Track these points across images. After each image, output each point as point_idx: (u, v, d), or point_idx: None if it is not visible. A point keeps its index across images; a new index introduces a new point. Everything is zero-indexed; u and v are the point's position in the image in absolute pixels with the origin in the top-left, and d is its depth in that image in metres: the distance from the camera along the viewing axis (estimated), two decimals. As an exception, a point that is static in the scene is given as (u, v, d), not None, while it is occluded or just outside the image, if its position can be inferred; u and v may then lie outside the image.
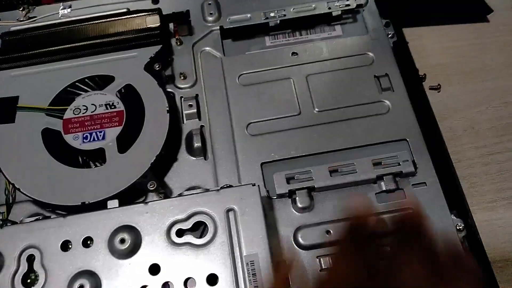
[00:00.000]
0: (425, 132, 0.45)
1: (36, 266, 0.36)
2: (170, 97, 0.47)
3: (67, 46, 0.48)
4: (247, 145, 0.45)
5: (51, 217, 0.39)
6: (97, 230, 0.37)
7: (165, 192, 0.41)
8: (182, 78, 0.48)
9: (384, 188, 0.42)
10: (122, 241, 0.36)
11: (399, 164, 0.43)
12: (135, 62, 0.47)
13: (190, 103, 0.47)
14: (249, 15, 0.51)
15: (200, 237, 0.37)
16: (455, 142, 0.48)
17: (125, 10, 0.50)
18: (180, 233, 0.37)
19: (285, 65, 0.50)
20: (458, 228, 0.41)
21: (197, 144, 0.45)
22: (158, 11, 0.50)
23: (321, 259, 0.40)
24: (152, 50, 0.47)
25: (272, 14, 0.51)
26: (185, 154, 0.45)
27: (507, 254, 0.43)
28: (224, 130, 0.46)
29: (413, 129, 0.45)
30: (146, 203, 0.38)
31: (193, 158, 0.45)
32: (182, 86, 0.48)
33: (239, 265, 0.35)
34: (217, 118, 0.47)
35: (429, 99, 0.48)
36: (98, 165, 0.42)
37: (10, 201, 0.43)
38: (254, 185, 0.38)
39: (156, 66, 0.46)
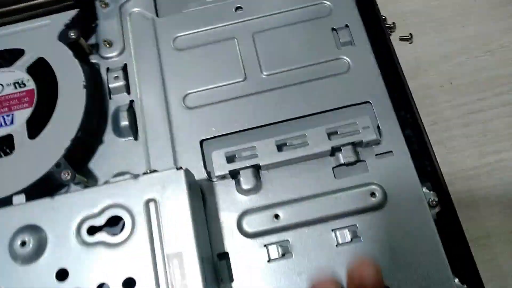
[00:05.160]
0: (392, 92, 0.38)
1: None
2: (93, 69, 0.40)
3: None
4: (184, 120, 0.39)
5: None
6: (-4, 232, 0.31)
7: (83, 182, 0.35)
8: (107, 45, 0.41)
9: (342, 161, 0.36)
10: (23, 243, 0.30)
11: (359, 132, 0.36)
12: (48, 31, 0.40)
13: (116, 75, 0.40)
14: (185, -35, 0.44)
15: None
16: (430, 101, 0.41)
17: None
18: (92, 230, 0.31)
19: (228, 22, 0.42)
20: (430, 203, 0.35)
21: (123, 122, 0.38)
22: (75, -31, 0.42)
23: (269, 248, 0.34)
24: (67, 15, 0.40)
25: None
26: (112, 135, 0.39)
27: (492, 230, 0.37)
28: (158, 104, 0.40)
29: (378, 89, 0.38)
30: (52, 197, 0.32)
31: (122, 139, 0.39)
32: (107, 55, 0.41)
33: (160, 265, 0.30)
34: (150, 91, 0.40)
35: (397, 53, 0.40)
36: (7, 154, 0.36)
37: None
38: (179, 168, 0.32)
39: (72, 34, 0.39)
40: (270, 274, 0.34)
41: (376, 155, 0.36)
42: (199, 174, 0.37)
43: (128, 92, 0.40)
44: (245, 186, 0.36)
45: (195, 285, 0.29)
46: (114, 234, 0.31)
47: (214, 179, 0.37)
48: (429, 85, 0.42)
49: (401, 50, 0.41)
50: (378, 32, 0.41)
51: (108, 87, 0.40)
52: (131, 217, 0.31)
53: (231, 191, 0.36)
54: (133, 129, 0.39)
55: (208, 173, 0.37)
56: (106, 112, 0.40)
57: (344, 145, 0.36)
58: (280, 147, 0.36)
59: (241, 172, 0.36)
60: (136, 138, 0.39)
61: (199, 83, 0.40)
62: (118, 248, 0.30)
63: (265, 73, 0.40)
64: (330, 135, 0.36)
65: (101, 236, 0.31)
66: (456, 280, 0.33)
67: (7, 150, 0.37)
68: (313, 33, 0.41)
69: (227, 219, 0.35)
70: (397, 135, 0.37)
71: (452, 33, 0.43)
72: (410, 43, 0.44)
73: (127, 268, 0.30)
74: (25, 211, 0.32)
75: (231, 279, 0.34)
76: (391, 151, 0.36)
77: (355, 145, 0.36)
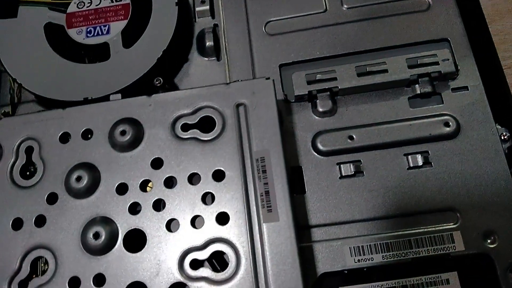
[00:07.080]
0: (470, 33, 0.39)
1: (35, 157, 0.34)
2: (181, -8, 0.42)
3: None
4: (264, 45, 0.41)
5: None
6: (97, 122, 0.34)
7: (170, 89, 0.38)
8: (194, -28, 0.43)
9: (418, 92, 0.37)
10: (123, 133, 0.33)
11: (438, 64, 0.37)
12: (143, -49, 0.42)
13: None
14: None
15: (208, 134, 0.34)
16: (505, 47, 0.41)
17: None
18: (185, 127, 0.33)
19: (311, -44, 0.44)
20: (503, 138, 0.36)
21: (209, 42, 0.40)
22: None
23: (342, 166, 0.36)
24: None
25: None
26: (197, 55, 0.41)
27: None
28: (240, 28, 0.42)
29: (456, 27, 0.39)
30: (149, 95, 0.34)
31: (205, 58, 0.41)
32: (194, -19, 0.44)
33: (248, 161, 0.32)
34: (233, 16, 0.42)
35: (478, -3, 0.41)
36: (102, 60, 0.39)
37: (16, 101, 0.42)
38: (268, 78, 0.34)
39: (165, -45, 0.41)
40: (342, 189, 0.35)
41: (451, 89, 0.37)
42: (277, 96, 0.38)
43: (213, 16, 0.42)
44: (321, 108, 0.37)
45: (281, 179, 0.31)
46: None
47: (292, 100, 0.38)
48: (505, 31, 0.42)
49: (480, -3, 0.42)
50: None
51: (194, 10, 0.42)
52: (222, 118, 0.33)
53: (307, 112, 0.38)
54: (216, 50, 0.41)
55: (285, 96, 0.39)
56: (192, 33, 0.42)
57: (422, 75, 0.37)
58: (359, 73, 0.37)
59: (318, 95, 0.38)
60: (218, 59, 0.41)
61: (280, 11, 0.42)
62: (209, 144, 0.33)
63: (345, 6, 0.41)
64: (409, 64, 0.37)
65: (193, 132, 0.33)
66: (524, 211, 0.34)
67: (104, 57, 0.39)
68: (395, -29, 0.42)
69: (302, 137, 0.37)
70: (474, 72, 0.38)
71: (534, -19, 0.43)
72: (489, -10, 0.44)
73: (217, 161, 0.32)
74: (124, 106, 0.34)
75: (303, 190, 0.36)
76: (467, 87, 0.37)
77: (432, 78, 0.37)
